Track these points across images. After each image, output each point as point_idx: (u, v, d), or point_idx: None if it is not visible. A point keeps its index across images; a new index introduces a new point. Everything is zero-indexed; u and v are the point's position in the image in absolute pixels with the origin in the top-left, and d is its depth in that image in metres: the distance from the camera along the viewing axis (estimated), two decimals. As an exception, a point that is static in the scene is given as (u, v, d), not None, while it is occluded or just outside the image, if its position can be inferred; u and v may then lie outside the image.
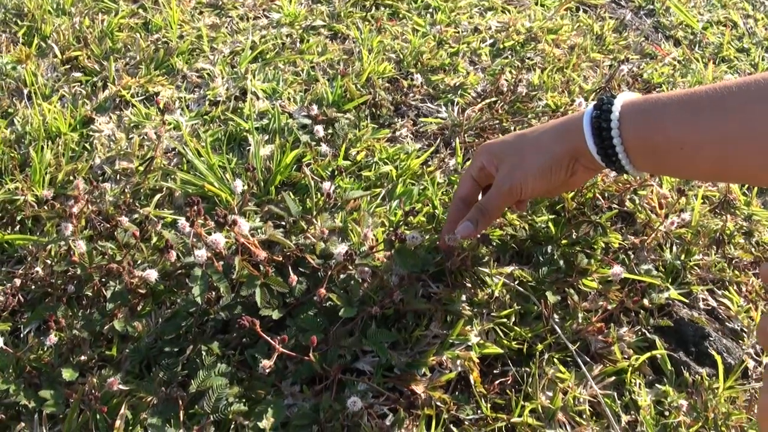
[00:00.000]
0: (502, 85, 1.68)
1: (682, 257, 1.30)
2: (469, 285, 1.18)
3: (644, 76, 1.82)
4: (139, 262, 1.22)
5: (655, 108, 0.89)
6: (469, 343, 1.11)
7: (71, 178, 1.41)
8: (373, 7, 2.02)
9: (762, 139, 0.80)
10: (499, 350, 1.12)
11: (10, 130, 1.53)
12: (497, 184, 1.07)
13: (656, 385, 1.11)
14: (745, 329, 1.21)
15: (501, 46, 1.89)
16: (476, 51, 1.87)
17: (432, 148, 1.51)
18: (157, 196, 1.36)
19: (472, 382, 1.08)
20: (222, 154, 1.45)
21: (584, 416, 1.06)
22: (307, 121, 1.56)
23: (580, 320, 1.16)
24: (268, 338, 0.98)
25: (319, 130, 1.48)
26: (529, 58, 1.86)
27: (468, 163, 1.45)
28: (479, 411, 1.05)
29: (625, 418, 1.06)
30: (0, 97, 1.63)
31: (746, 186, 1.49)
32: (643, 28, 2.07)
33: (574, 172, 1.03)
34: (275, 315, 1.08)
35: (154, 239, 1.27)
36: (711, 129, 0.84)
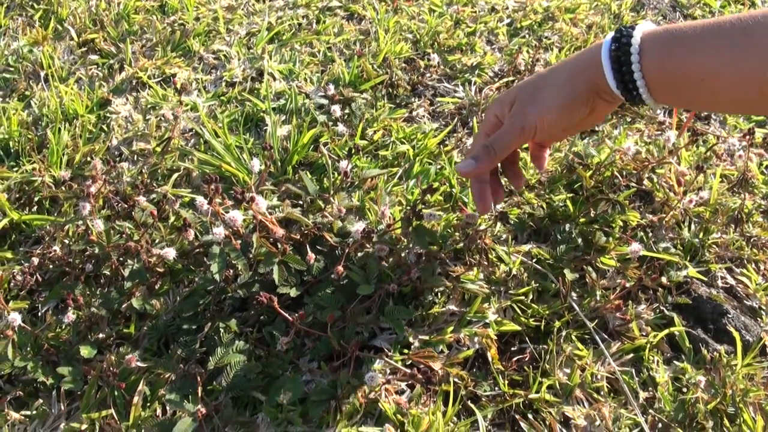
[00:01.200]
0: (519, 65, 1.67)
1: (701, 235, 1.29)
2: (486, 263, 1.18)
3: (662, 55, 1.81)
4: (156, 241, 1.22)
5: (676, 39, 0.84)
6: (487, 321, 1.11)
7: (88, 159, 1.42)
8: (389, -12, 2.01)
9: None
10: (517, 327, 1.11)
11: (28, 112, 1.54)
12: (509, 121, 0.99)
13: (674, 362, 1.10)
14: (764, 307, 1.20)
15: (518, 26, 1.89)
16: (493, 30, 1.86)
17: (449, 128, 1.51)
18: (175, 176, 1.37)
19: (490, 358, 1.08)
20: (239, 135, 1.45)
21: (602, 393, 1.05)
22: (324, 102, 1.56)
23: (598, 298, 1.16)
24: (286, 315, 0.98)
25: (336, 110, 1.48)
26: (546, 38, 1.85)
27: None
28: (497, 387, 1.05)
29: (643, 395, 1.05)
30: (17, 80, 1.64)
31: (764, 164, 1.48)
32: (660, 7, 2.05)
33: (595, 107, 0.96)
34: (293, 292, 1.09)
35: (172, 218, 1.27)
36: (733, 55, 0.80)
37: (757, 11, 0.78)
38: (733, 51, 0.79)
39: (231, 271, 1.11)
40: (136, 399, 1.00)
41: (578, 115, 0.96)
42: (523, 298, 1.15)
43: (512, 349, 1.12)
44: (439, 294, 1.15)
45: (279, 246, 1.10)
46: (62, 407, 1.03)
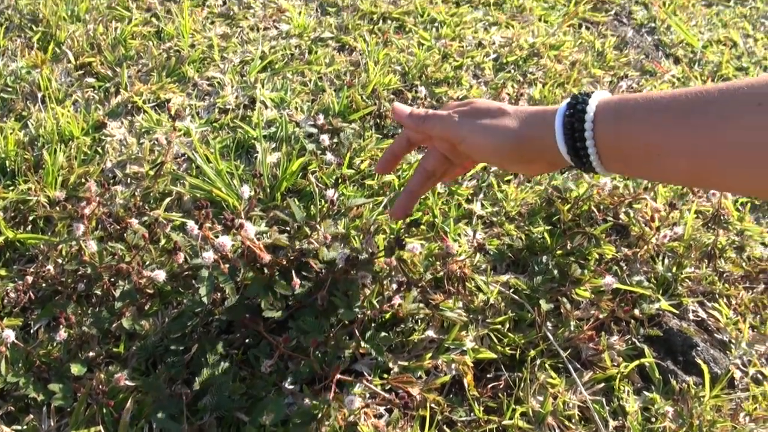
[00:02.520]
0: (504, 99, 1.71)
1: (674, 269, 1.33)
2: (465, 292, 1.22)
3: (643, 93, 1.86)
4: (147, 263, 1.25)
5: (634, 112, 0.81)
6: (464, 348, 1.15)
7: (83, 180, 1.45)
8: (381, 21, 2.06)
9: (747, 151, 0.72)
10: (493, 355, 1.15)
11: (24, 133, 1.56)
12: (453, 117, 0.97)
13: (644, 392, 1.14)
14: (733, 341, 1.24)
15: (504, 61, 1.93)
16: (480, 65, 1.90)
17: (434, 159, 1.55)
18: (167, 200, 1.40)
19: (466, 385, 1.12)
20: (230, 161, 1.49)
21: (573, 420, 1.09)
22: (314, 130, 1.60)
23: (572, 328, 1.20)
24: (271, 339, 1.02)
25: (325, 139, 1.52)
26: (531, 73, 1.89)
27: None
28: (472, 413, 1.09)
29: (612, 423, 1.09)
30: (14, 101, 1.67)
31: (739, 201, 1.53)
32: (643, 46, 2.11)
33: (533, 161, 0.93)
34: (278, 316, 1.12)
35: (163, 241, 1.31)
36: (693, 139, 0.76)
37: (715, 87, 0.75)
38: (692, 133, 0.76)
39: (219, 294, 1.14)
40: (124, 417, 1.03)
41: (508, 162, 0.95)
42: (499, 326, 1.19)
43: (488, 376, 1.15)
44: (419, 321, 1.19)
45: (266, 271, 1.13)
46: (52, 423, 1.05)
